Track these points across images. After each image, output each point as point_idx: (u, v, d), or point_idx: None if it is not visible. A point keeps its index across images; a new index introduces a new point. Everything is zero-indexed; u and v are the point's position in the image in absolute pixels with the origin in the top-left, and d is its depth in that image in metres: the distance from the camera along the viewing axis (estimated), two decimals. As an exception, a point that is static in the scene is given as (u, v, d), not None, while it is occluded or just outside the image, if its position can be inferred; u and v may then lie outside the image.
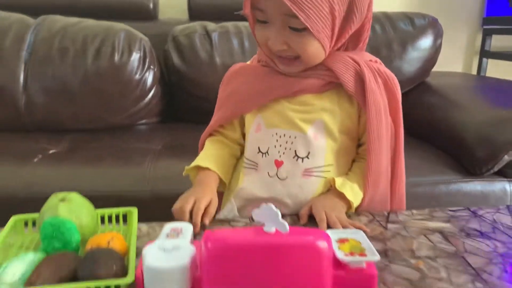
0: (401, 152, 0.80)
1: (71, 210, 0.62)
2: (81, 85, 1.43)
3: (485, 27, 2.23)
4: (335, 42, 0.72)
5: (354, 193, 0.76)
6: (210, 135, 0.88)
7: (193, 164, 0.81)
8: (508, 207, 0.81)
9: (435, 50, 1.64)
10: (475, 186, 1.21)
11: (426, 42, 1.61)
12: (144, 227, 0.70)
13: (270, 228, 0.49)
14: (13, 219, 0.66)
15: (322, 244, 0.49)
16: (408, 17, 1.64)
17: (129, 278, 0.51)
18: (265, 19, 0.70)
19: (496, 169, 1.21)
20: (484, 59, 2.23)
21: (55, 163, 1.22)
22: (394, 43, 1.59)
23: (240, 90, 0.81)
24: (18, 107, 1.43)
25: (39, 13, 1.58)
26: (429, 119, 1.45)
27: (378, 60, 0.80)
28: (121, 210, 0.69)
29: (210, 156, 0.83)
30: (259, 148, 0.80)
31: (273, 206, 0.49)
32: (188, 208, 0.70)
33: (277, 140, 0.78)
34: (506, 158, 1.19)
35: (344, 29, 0.71)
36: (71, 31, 1.48)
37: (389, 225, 0.73)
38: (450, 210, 0.79)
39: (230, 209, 0.83)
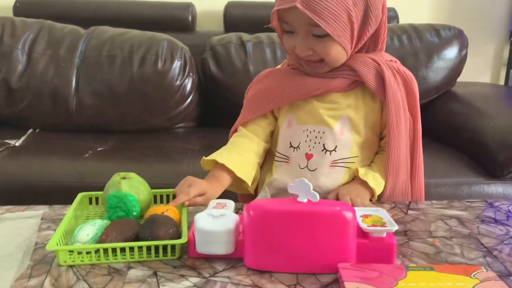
0: (419, 146, 0.87)
1: (132, 186, 0.72)
2: (127, 90, 1.56)
3: (512, 39, 2.27)
4: (356, 44, 0.81)
5: (376, 181, 0.83)
6: (236, 131, 0.91)
7: (210, 157, 0.83)
8: (523, 200, 0.86)
9: (460, 60, 1.69)
10: (496, 188, 1.26)
11: (451, 52, 1.68)
12: (190, 208, 0.80)
13: (303, 199, 0.58)
14: (79, 196, 0.76)
15: (348, 213, 0.57)
16: (434, 29, 1.71)
17: (183, 239, 0.60)
18: (291, 29, 0.79)
19: (517, 171, 1.26)
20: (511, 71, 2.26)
21: (103, 159, 1.34)
22: (420, 53, 1.66)
23: (272, 88, 0.87)
24: (70, 109, 1.58)
25: (89, 24, 1.73)
26: (453, 124, 1.51)
27: (397, 60, 0.88)
28: (171, 190, 0.79)
29: (229, 152, 0.85)
30: (290, 143, 0.88)
31: (305, 180, 0.58)
32: (179, 191, 0.75)
33: (307, 136, 0.86)
34: (527, 161, 1.24)
35: (362, 33, 0.79)
36: (118, 40, 1.62)
37: (410, 212, 0.80)
38: (468, 201, 0.85)
39: (264, 196, 0.91)
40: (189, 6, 1.96)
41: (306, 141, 0.86)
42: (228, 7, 1.97)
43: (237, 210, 0.77)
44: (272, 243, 0.58)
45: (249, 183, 0.85)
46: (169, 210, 0.67)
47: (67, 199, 0.80)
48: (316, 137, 0.86)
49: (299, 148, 0.87)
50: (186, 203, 0.73)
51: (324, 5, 0.73)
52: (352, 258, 0.59)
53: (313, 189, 0.84)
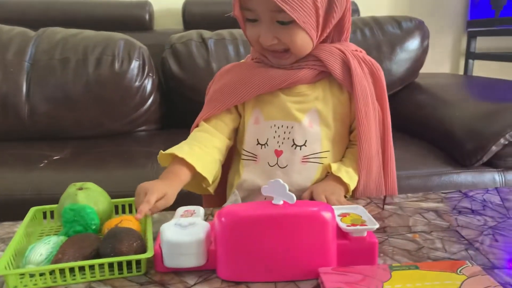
0: (390, 137, 0.85)
1: (89, 197, 0.66)
2: (83, 93, 1.47)
3: (469, 29, 2.31)
4: (321, 32, 0.77)
5: (349, 177, 0.80)
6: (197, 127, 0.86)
7: (168, 151, 0.77)
8: (496, 189, 0.86)
9: (422, 51, 1.70)
10: (466, 177, 1.27)
11: (413, 43, 1.68)
12: (155, 215, 0.74)
13: (279, 201, 0.54)
14: (32, 210, 0.69)
15: (327, 213, 0.54)
16: (396, 21, 1.71)
17: (149, 253, 0.55)
18: (254, 17, 0.76)
19: (485, 159, 1.26)
20: (470, 60, 2.31)
21: (60, 168, 1.26)
22: (383, 46, 1.66)
23: (236, 81, 0.83)
24: (21, 116, 1.47)
25: (39, 26, 1.62)
26: (419, 115, 1.51)
27: (363, 50, 0.86)
28: (133, 199, 0.73)
29: (190, 147, 0.79)
30: (258, 140, 0.84)
31: (280, 180, 0.53)
32: (138, 202, 0.67)
33: (275, 131, 0.82)
34: (494, 148, 1.24)
35: (327, 19, 0.76)
36: (72, 41, 1.52)
37: (386, 207, 0.77)
38: (443, 193, 0.83)
39: (234, 200, 0.87)
40: (146, 4, 1.88)
41: (274, 137, 0.82)
42: (186, 4, 1.91)
43: (207, 217, 0.72)
44: (247, 251, 0.54)
45: (210, 180, 0.79)
46: (123, 221, 0.61)
47: (21, 215, 0.72)
48: (284, 132, 0.82)
49: (267, 145, 0.83)
50: (149, 212, 0.65)
51: None
52: (333, 261, 0.55)
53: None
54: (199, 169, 0.76)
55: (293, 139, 0.81)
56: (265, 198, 0.83)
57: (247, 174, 0.85)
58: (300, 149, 0.82)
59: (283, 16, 0.72)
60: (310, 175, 0.83)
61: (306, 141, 0.82)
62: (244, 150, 0.86)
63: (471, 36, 2.29)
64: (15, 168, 1.25)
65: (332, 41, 0.83)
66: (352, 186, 0.81)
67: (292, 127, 0.81)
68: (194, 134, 0.84)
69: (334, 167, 0.81)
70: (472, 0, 2.29)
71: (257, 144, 0.84)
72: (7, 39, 1.52)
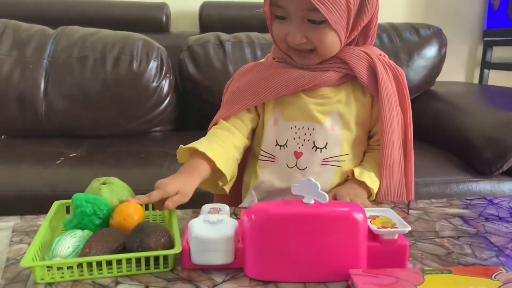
0: (411, 143, 0.84)
1: (113, 191, 0.65)
2: (100, 92, 1.47)
3: (485, 39, 2.30)
4: (349, 35, 0.77)
5: (372, 181, 0.79)
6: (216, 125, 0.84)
7: (189, 145, 0.76)
8: (522, 196, 0.84)
9: (440, 59, 1.69)
10: (484, 185, 1.25)
11: (431, 51, 1.67)
12: (178, 212, 0.73)
13: (310, 200, 0.53)
14: (55, 204, 0.69)
15: (358, 215, 0.53)
16: (414, 28, 1.70)
17: (177, 249, 0.54)
18: (284, 15, 0.75)
19: (505, 168, 1.25)
20: (485, 70, 2.29)
21: (76, 165, 1.26)
22: (400, 52, 1.65)
23: (258, 81, 0.81)
24: (39, 113, 1.47)
25: (57, 25, 1.63)
26: (436, 123, 1.50)
27: (386, 55, 0.85)
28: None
29: (210, 142, 0.77)
30: (276, 141, 0.83)
31: (312, 179, 0.52)
32: (154, 200, 0.66)
33: (295, 133, 0.81)
34: (514, 158, 1.23)
35: (357, 22, 0.76)
36: (90, 40, 1.53)
37: (411, 211, 0.76)
38: (467, 199, 0.82)
39: (250, 201, 0.86)
40: (163, 6, 1.89)
41: (294, 138, 0.82)
42: (203, 7, 1.91)
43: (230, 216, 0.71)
44: (276, 250, 0.53)
45: (228, 177, 0.78)
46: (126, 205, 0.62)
47: (38, 210, 0.73)
48: (305, 134, 0.81)
49: (286, 146, 0.82)
50: (171, 204, 0.64)
51: None
52: (363, 263, 0.54)
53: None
54: (219, 165, 0.74)
55: (314, 141, 0.81)
56: (281, 200, 0.84)
57: (265, 175, 0.84)
58: (321, 152, 0.81)
59: (316, 15, 0.71)
60: (329, 178, 0.82)
61: (327, 143, 0.81)
62: (262, 150, 0.85)
63: (487, 46, 2.28)
64: (31, 164, 1.25)
65: (357, 44, 0.82)
66: (375, 190, 0.80)
67: (313, 129, 0.81)
68: (214, 131, 0.82)
69: (357, 171, 0.80)
70: (489, 9, 2.28)
71: (276, 145, 0.83)
72: (27, 37, 1.53)
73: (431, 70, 1.69)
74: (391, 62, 0.83)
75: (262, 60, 0.91)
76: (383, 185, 0.81)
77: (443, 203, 0.80)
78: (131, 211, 0.61)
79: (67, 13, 1.75)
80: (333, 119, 0.81)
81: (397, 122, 0.81)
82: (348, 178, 0.82)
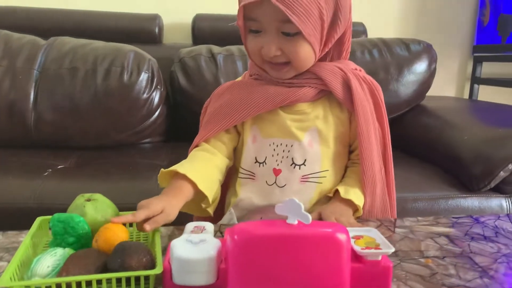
0: (390, 157, 0.84)
1: (97, 209, 0.65)
2: (90, 103, 1.47)
3: (475, 54, 2.33)
4: (323, 47, 0.77)
5: (358, 197, 0.79)
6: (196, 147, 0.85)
7: (170, 168, 0.76)
8: (508, 215, 0.84)
9: (430, 74, 1.71)
10: (472, 201, 1.25)
11: (421, 66, 1.69)
12: (163, 229, 0.73)
13: (293, 220, 0.53)
14: (38, 220, 0.68)
15: (342, 235, 0.52)
16: (404, 43, 1.72)
17: (158, 269, 0.54)
18: (258, 28, 0.75)
19: (492, 185, 1.25)
20: (475, 85, 2.32)
21: (65, 177, 1.24)
22: (391, 67, 1.66)
23: (235, 101, 0.81)
24: (27, 124, 1.46)
25: (49, 35, 1.63)
26: (426, 138, 1.51)
27: (362, 69, 0.86)
28: (141, 212, 0.72)
29: (192, 164, 0.78)
30: (256, 158, 0.83)
31: (296, 200, 0.52)
32: (140, 219, 0.64)
33: (274, 149, 0.81)
34: (502, 174, 1.23)
35: (330, 34, 0.76)
36: (81, 51, 1.53)
37: (397, 230, 0.76)
38: (454, 217, 0.82)
39: (229, 219, 0.85)
40: (156, 18, 1.89)
41: (273, 155, 0.81)
42: (196, 19, 1.92)
43: (215, 233, 0.70)
44: (259, 271, 0.52)
45: (210, 199, 0.77)
46: (109, 228, 0.60)
47: (24, 224, 0.71)
48: (283, 150, 0.81)
49: (265, 163, 0.82)
50: (147, 228, 0.63)
51: (297, 0, 0.69)
52: (347, 284, 0.53)
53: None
54: (201, 186, 0.74)
55: (292, 158, 0.81)
56: (261, 218, 0.83)
57: (244, 193, 0.84)
58: (299, 168, 0.81)
59: (289, 27, 0.71)
60: (309, 195, 0.82)
61: (305, 160, 0.81)
62: (241, 168, 0.84)
63: (477, 61, 2.30)
64: (18, 176, 1.24)
65: (331, 59, 0.82)
66: (361, 205, 0.80)
67: (291, 146, 0.81)
68: (194, 153, 0.82)
69: (342, 190, 0.79)
70: (478, 26, 2.31)
71: (255, 163, 0.83)
72: (18, 47, 1.52)
73: (421, 85, 1.70)
74: (367, 76, 0.84)
75: (239, 78, 0.90)
76: (367, 201, 0.81)
77: (430, 221, 0.80)
78: (114, 234, 0.60)
79: (60, 23, 1.75)
80: (311, 135, 0.81)
81: (375, 136, 0.81)
82: (331, 196, 0.82)
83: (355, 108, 0.79)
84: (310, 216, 0.52)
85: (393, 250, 0.55)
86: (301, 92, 0.79)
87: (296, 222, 0.53)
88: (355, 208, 0.79)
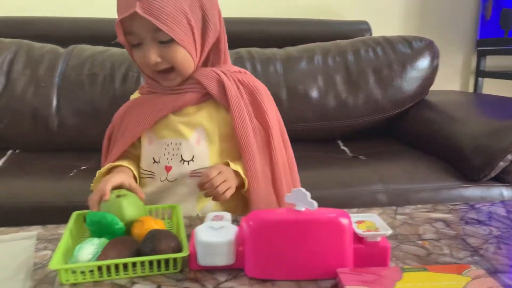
0: (277, 156, 0.90)
1: (130, 202, 0.73)
2: (109, 107, 1.55)
3: (479, 48, 2.37)
4: (201, 51, 0.85)
5: (243, 173, 0.87)
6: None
7: (105, 168, 0.88)
8: (502, 202, 0.91)
9: (432, 70, 1.76)
10: (474, 191, 1.31)
11: (423, 62, 1.74)
12: (186, 220, 0.81)
13: (301, 207, 0.60)
14: (74, 214, 0.76)
15: (344, 220, 0.60)
16: (406, 40, 1.78)
17: (185, 252, 0.62)
18: (138, 41, 0.82)
19: (493, 174, 1.31)
20: (480, 79, 2.37)
21: (89, 177, 1.31)
22: (394, 64, 1.72)
23: (133, 121, 0.90)
24: (51, 128, 1.56)
25: (67, 43, 1.72)
26: (429, 132, 1.57)
27: (247, 72, 0.93)
28: (166, 206, 0.81)
29: (115, 163, 0.90)
30: (153, 158, 0.90)
31: (303, 189, 0.60)
32: (95, 199, 0.76)
33: (165, 149, 0.89)
34: (502, 164, 1.29)
35: (204, 39, 0.84)
36: (99, 58, 1.62)
37: (398, 216, 0.83)
38: (451, 205, 0.89)
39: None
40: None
41: (165, 154, 0.89)
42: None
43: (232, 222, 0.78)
44: (272, 252, 0.60)
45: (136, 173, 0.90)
46: (146, 221, 0.69)
47: (55, 220, 0.80)
48: (173, 149, 0.89)
49: (159, 162, 0.90)
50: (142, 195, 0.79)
51: (162, 9, 0.76)
52: (350, 263, 0.61)
53: (171, 198, 0.88)
54: (135, 172, 0.89)
55: (181, 155, 0.88)
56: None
57: (146, 191, 0.89)
58: (188, 164, 0.88)
59: (162, 35, 0.79)
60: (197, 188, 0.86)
61: (193, 156, 0.88)
62: (141, 169, 0.92)
63: (481, 55, 2.35)
64: (46, 177, 1.33)
65: (212, 64, 0.90)
66: (246, 183, 0.87)
67: (180, 144, 0.88)
68: (110, 164, 0.90)
69: (231, 163, 0.87)
70: (481, 20, 2.36)
71: (153, 163, 0.90)
72: (39, 56, 1.62)
73: (424, 81, 1.75)
74: (248, 78, 0.91)
75: (135, 93, 0.98)
76: (251, 193, 0.88)
77: (428, 209, 0.87)
78: (152, 226, 0.68)
79: (78, 32, 1.84)
80: (198, 134, 0.88)
81: (253, 133, 0.88)
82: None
83: (230, 106, 0.87)
84: (316, 203, 0.59)
85: (390, 232, 0.62)
86: (186, 97, 0.87)
87: (303, 209, 0.60)
88: (241, 182, 0.87)
